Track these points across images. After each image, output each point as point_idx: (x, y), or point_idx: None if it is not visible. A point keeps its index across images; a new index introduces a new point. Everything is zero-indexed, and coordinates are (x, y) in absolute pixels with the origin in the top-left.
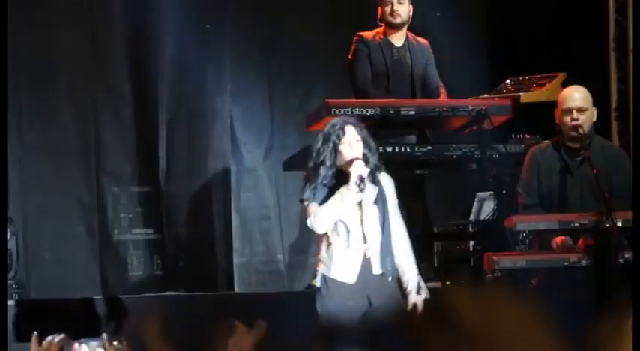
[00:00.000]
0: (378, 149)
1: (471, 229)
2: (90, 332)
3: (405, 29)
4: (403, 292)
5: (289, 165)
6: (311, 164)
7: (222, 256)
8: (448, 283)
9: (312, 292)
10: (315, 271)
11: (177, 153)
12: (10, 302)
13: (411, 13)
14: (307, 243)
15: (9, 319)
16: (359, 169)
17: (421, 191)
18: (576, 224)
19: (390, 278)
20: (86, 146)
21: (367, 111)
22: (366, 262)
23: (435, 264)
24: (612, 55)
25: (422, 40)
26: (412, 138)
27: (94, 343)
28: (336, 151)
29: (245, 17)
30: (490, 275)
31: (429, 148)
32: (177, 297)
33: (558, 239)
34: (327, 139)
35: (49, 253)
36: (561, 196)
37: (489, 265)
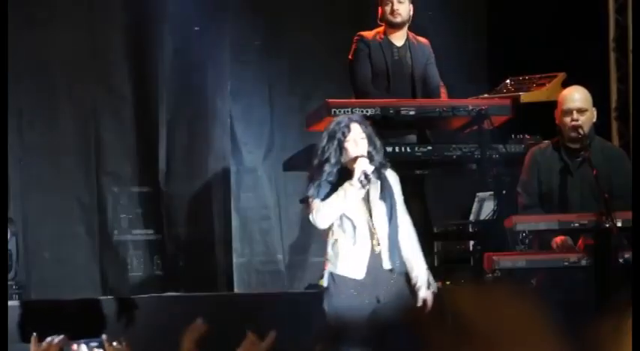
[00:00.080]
0: (383, 147)
1: (470, 229)
2: (89, 333)
3: (405, 29)
4: (411, 288)
5: (289, 165)
6: (316, 162)
7: (222, 256)
8: (448, 283)
9: (312, 293)
10: (322, 271)
11: (177, 153)
12: (15, 303)
13: (411, 13)
14: (307, 243)
15: (11, 319)
16: (363, 166)
17: (421, 191)
18: (576, 224)
19: (398, 274)
20: (86, 146)
21: (367, 111)
22: (374, 258)
23: (435, 264)
24: (612, 56)
25: (422, 39)
26: (412, 138)
27: (93, 343)
28: (341, 148)
29: (245, 17)
30: (490, 275)
31: (429, 148)
32: (177, 297)
33: (558, 239)
34: (332, 136)
35: (49, 254)
36: (561, 197)
37: (489, 265)
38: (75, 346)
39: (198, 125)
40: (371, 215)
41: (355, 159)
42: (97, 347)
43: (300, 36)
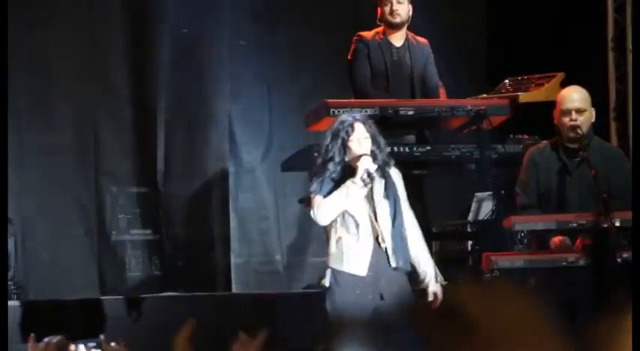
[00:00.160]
0: (386, 146)
1: (469, 229)
2: (87, 333)
3: (404, 29)
4: (416, 284)
5: (288, 165)
6: (319, 160)
7: (220, 256)
8: (446, 283)
9: (311, 293)
10: (323, 270)
11: (176, 153)
12: (13, 303)
13: (410, 13)
14: (305, 243)
15: (10, 320)
16: (366, 164)
17: (420, 191)
18: (574, 224)
19: (401, 271)
20: (85, 146)
21: (366, 111)
22: (377, 255)
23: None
24: (611, 55)
25: (422, 39)
26: (411, 138)
27: (91, 344)
28: (344, 147)
29: (245, 17)
30: (488, 275)
31: (428, 148)
32: (175, 297)
33: (556, 239)
34: (335, 135)
35: (48, 254)
36: (560, 197)
37: (488, 265)
38: (73, 347)
39: (196, 125)
40: (375, 213)
41: (359, 158)
42: (95, 347)
43: (300, 36)
